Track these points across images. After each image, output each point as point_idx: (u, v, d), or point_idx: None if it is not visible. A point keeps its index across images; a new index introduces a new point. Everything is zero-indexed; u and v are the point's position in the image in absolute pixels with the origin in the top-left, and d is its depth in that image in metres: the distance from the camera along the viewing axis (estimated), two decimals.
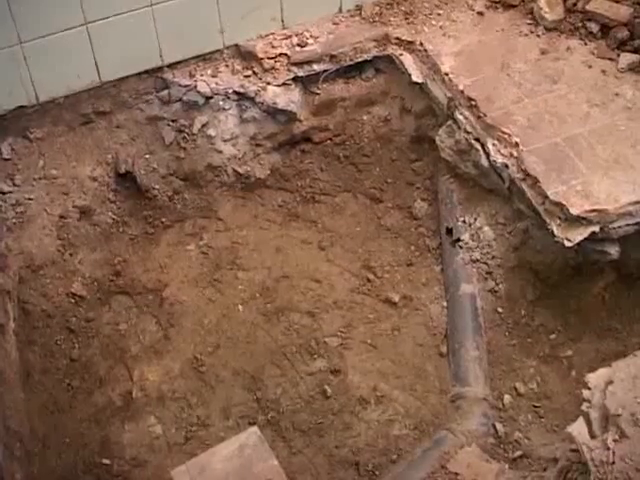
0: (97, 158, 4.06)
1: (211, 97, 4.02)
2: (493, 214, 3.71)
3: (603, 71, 3.83)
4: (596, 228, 3.31)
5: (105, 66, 3.91)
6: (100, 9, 3.72)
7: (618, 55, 3.91)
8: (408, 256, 3.95)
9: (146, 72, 4.04)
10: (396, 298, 3.79)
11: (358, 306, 3.78)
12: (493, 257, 3.66)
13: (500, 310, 3.62)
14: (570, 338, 3.60)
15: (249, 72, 4.01)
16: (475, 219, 3.75)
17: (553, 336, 3.61)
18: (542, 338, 3.60)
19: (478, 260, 3.68)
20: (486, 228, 3.71)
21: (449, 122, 3.81)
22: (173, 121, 4.08)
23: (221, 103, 4.02)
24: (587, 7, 3.98)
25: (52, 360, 3.70)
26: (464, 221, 3.78)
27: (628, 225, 3.36)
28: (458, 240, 3.75)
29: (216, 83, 4.02)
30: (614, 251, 3.41)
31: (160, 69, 4.04)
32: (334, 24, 4.11)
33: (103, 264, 4.00)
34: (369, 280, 3.87)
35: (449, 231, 3.83)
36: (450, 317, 3.69)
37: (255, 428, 2.96)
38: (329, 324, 3.72)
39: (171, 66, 4.05)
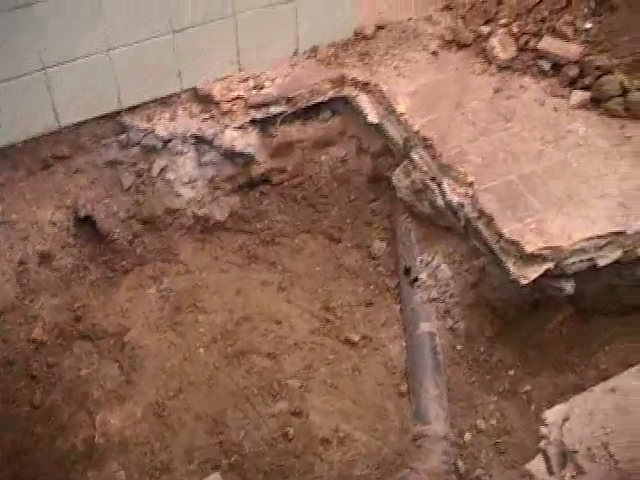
0: (57, 203, 4.12)
1: (169, 141, 4.11)
2: (450, 252, 3.82)
3: (555, 108, 3.96)
4: (551, 265, 3.42)
5: (64, 111, 3.98)
6: (58, 54, 3.80)
7: (569, 92, 4.02)
8: (367, 296, 4.05)
9: (104, 116, 4.11)
10: (356, 338, 3.88)
11: (318, 347, 3.87)
12: (451, 295, 3.77)
13: (459, 347, 3.72)
14: (529, 373, 3.69)
15: (207, 115, 4.10)
16: (432, 258, 3.85)
17: (512, 371, 3.70)
18: (501, 374, 3.69)
19: (436, 299, 3.78)
20: (443, 266, 3.81)
21: (405, 162, 3.92)
22: (132, 165, 4.16)
23: (179, 147, 4.11)
24: (539, 46, 4.12)
25: (14, 406, 3.74)
26: (422, 260, 3.89)
27: (582, 261, 3.47)
28: (416, 279, 3.86)
29: (174, 127, 4.11)
30: (569, 286, 3.53)
31: (118, 113, 4.11)
32: (291, 66, 4.21)
33: (64, 309, 4.06)
34: (329, 320, 3.96)
35: (407, 270, 3.93)
36: (409, 356, 3.78)
37: (217, 474, 3.03)
38: (290, 365, 3.80)
39: (129, 110, 4.13)
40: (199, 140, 4.11)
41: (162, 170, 4.14)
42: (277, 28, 4.17)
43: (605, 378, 3.18)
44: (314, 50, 4.26)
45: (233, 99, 4.08)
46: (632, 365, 3.09)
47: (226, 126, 4.09)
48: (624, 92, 3.95)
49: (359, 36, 4.31)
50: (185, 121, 4.10)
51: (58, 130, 4.03)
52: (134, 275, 4.17)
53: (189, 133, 4.10)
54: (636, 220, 3.51)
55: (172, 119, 4.12)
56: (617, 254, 3.51)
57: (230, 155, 4.14)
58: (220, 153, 4.14)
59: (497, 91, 4.04)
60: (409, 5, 4.53)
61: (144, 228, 4.18)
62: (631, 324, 3.76)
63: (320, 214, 4.28)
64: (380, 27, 4.35)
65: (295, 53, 4.25)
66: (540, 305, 3.70)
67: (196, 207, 4.21)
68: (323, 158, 4.27)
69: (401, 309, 3.95)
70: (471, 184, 3.62)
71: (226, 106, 4.07)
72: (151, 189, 4.14)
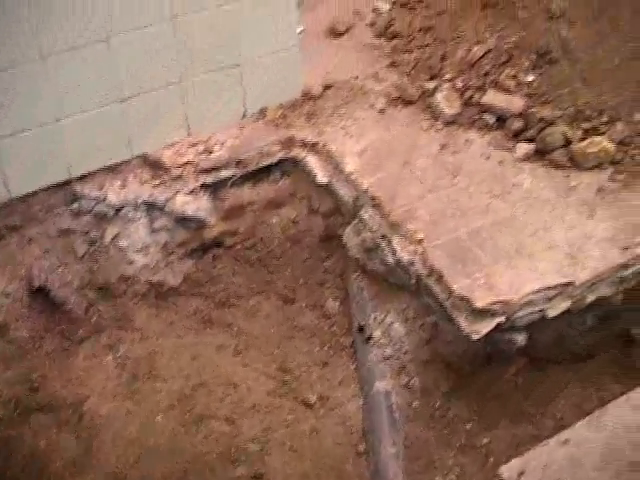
0: (10, 273, 4.14)
1: (121, 208, 4.15)
2: (403, 309, 3.88)
3: (501, 162, 4.05)
4: (501, 319, 3.49)
5: (14, 181, 4.01)
6: (7, 124, 3.83)
7: (514, 145, 4.12)
8: (323, 355, 4.10)
9: (55, 185, 4.13)
10: (313, 399, 3.92)
11: (276, 409, 3.91)
12: (405, 352, 3.83)
13: (415, 404, 3.77)
14: (486, 426, 3.75)
15: (158, 181, 4.15)
16: (386, 315, 3.92)
17: (469, 425, 3.76)
18: (459, 428, 3.75)
19: (391, 356, 3.84)
20: (397, 324, 3.88)
21: (355, 221, 3.99)
22: (85, 233, 4.20)
23: (131, 213, 4.15)
24: (483, 100, 4.22)
25: None
26: (375, 318, 3.95)
27: (532, 313, 3.55)
28: (370, 337, 3.91)
29: (125, 194, 4.15)
30: (521, 339, 3.61)
31: (69, 182, 4.14)
32: (239, 129, 4.28)
33: (20, 381, 4.06)
34: (286, 382, 4.01)
35: (361, 329, 3.99)
36: (366, 415, 3.83)
37: None
38: (249, 429, 3.84)
39: (80, 179, 4.16)
40: (151, 206, 4.16)
41: (115, 237, 4.18)
42: (225, 92, 4.23)
43: (562, 427, 3.26)
44: (263, 112, 4.33)
45: (183, 164, 4.13)
46: (588, 413, 3.16)
47: (177, 191, 4.14)
48: (567, 143, 4.07)
49: (307, 96, 4.38)
50: (136, 188, 4.14)
51: (9, 201, 4.03)
52: (90, 344, 4.19)
53: (140, 200, 4.14)
54: (583, 270, 3.59)
55: (123, 186, 4.16)
56: (566, 304, 3.60)
57: (182, 220, 4.19)
58: (172, 218, 4.19)
59: (444, 147, 4.12)
60: (355, 63, 4.63)
61: (99, 296, 4.21)
62: (584, 372, 3.85)
63: (274, 275, 4.33)
64: (327, 86, 4.42)
65: (244, 115, 4.32)
66: (494, 357, 3.76)
67: (150, 273, 4.24)
68: (275, 219, 4.33)
69: (357, 368, 4.00)
70: (420, 241, 3.69)
71: (176, 171, 4.12)
72: (105, 257, 4.17)
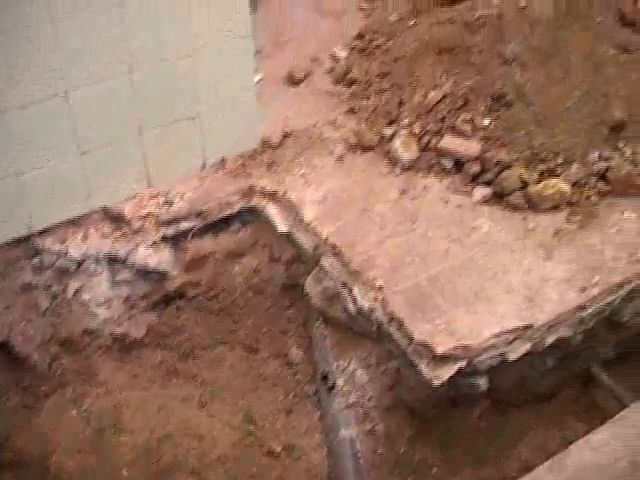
0: None
1: (83, 261, 4.18)
2: (365, 357, 3.93)
3: (459, 206, 4.12)
4: (463, 364, 3.55)
5: None
6: None
7: (472, 189, 4.19)
8: (287, 404, 4.14)
9: (16, 240, 4.14)
10: (278, 449, 3.96)
11: (242, 460, 3.93)
12: (369, 399, 3.87)
13: (380, 451, 3.81)
14: (451, 470, 3.80)
15: (119, 234, 4.18)
16: (348, 363, 3.96)
17: (435, 470, 3.80)
18: (424, 473, 3.79)
19: (354, 403, 3.88)
20: (360, 371, 3.92)
21: (316, 269, 4.04)
22: (47, 288, 4.21)
23: (93, 267, 4.18)
24: (440, 144, 4.29)
25: None
26: (338, 366, 3.99)
27: (493, 357, 3.60)
28: (334, 385, 3.95)
29: (87, 247, 4.18)
30: (483, 382, 3.66)
31: (30, 236, 4.16)
32: (200, 180, 4.32)
33: None
34: (251, 432, 4.04)
35: (324, 377, 4.03)
36: (331, 463, 3.86)
37: None
38: None
39: (41, 233, 4.18)
40: (112, 259, 4.19)
41: (77, 291, 4.20)
42: (184, 143, 4.27)
43: (526, 469, 3.31)
44: (222, 162, 4.38)
45: (144, 216, 4.17)
46: (552, 453, 3.21)
47: (138, 244, 4.17)
48: (524, 185, 4.14)
49: (266, 145, 4.43)
50: (98, 241, 4.17)
51: None
52: (55, 398, 4.21)
53: (102, 253, 4.17)
54: (542, 312, 3.65)
55: (85, 239, 4.19)
56: (526, 347, 3.66)
57: (144, 272, 4.22)
58: (134, 271, 4.22)
59: (402, 192, 4.18)
60: (314, 111, 4.69)
61: (62, 350, 4.23)
62: (547, 412, 3.91)
63: (237, 324, 4.37)
64: (286, 135, 4.48)
65: (204, 166, 4.36)
66: (457, 401, 3.81)
67: (113, 326, 4.27)
68: (236, 269, 4.37)
69: (321, 416, 4.03)
70: (380, 288, 3.74)
71: (137, 224, 4.16)
72: (67, 311, 4.20)
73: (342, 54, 5.10)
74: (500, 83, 4.38)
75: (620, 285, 3.82)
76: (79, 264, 4.18)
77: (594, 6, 4.53)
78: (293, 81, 4.94)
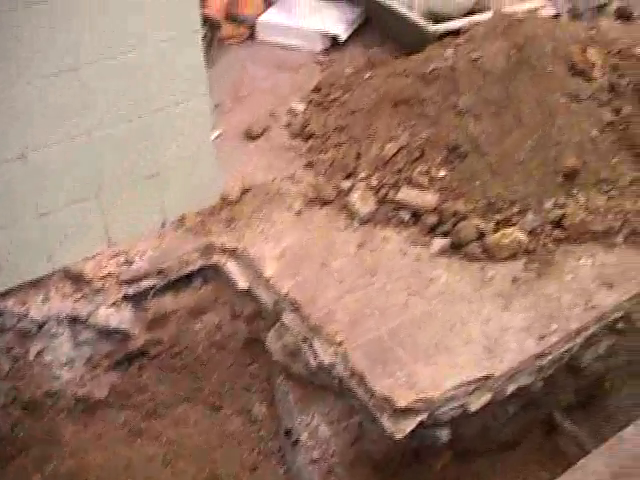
0: None
1: (44, 323, 4.19)
2: (328, 411, 3.96)
3: (418, 258, 4.18)
4: (424, 416, 3.58)
5: None
6: None
7: (430, 240, 4.25)
8: (252, 461, 4.16)
9: None
10: None
11: None
12: (332, 454, 3.90)
13: None
14: None
15: (80, 295, 4.20)
16: (311, 418, 3.99)
17: None
18: None
19: (319, 459, 3.91)
20: (323, 426, 3.95)
21: (277, 325, 4.08)
22: (8, 350, 4.22)
23: (54, 329, 4.20)
24: (397, 197, 4.35)
25: None
26: (301, 421, 4.02)
27: (454, 408, 3.64)
28: (297, 441, 3.97)
29: (48, 308, 4.19)
30: (445, 434, 3.71)
31: None
32: (159, 238, 4.36)
33: None
34: None
35: (288, 432, 4.06)
36: None
37: None
38: None
39: (2, 295, 4.19)
40: (74, 320, 4.21)
41: (39, 353, 4.21)
42: (144, 202, 4.31)
43: None
44: (182, 219, 4.41)
45: (105, 276, 4.20)
46: None
47: (100, 304, 4.20)
48: (481, 235, 4.21)
49: (225, 201, 4.47)
50: (58, 302, 4.19)
51: None
52: (18, 462, 4.19)
53: (63, 314, 4.19)
54: (501, 362, 3.71)
55: (45, 301, 4.20)
56: (487, 397, 3.70)
57: (106, 332, 4.24)
58: (96, 331, 4.24)
59: (361, 246, 4.24)
60: (272, 165, 4.76)
61: (25, 413, 4.23)
62: (510, 461, 3.96)
63: (200, 382, 4.39)
64: (245, 190, 4.53)
65: (163, 224, 4.40)
66: (420, 454, 3.85)
67: (76, 387, 4.28)
68: (198, 326, 4.40)
69: (286, 471, 4.05)
70: (341, 343, 3.79)
71: (98, 284, 4.18)
72: (29, 373, 4.20)
73: (300, 108, 5.17)
74: (455, 134, 4.46)
75: (578, 332, 3.89)
76: (40, 326, 4.19)
77: (545, 56, 4.62)
78: (252, 136, 5.00)
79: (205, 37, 5.40)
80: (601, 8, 6.29)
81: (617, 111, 4.68)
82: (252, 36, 6.05)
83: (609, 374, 4.15)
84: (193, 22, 4.06)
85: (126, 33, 3.88)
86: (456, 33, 5.20)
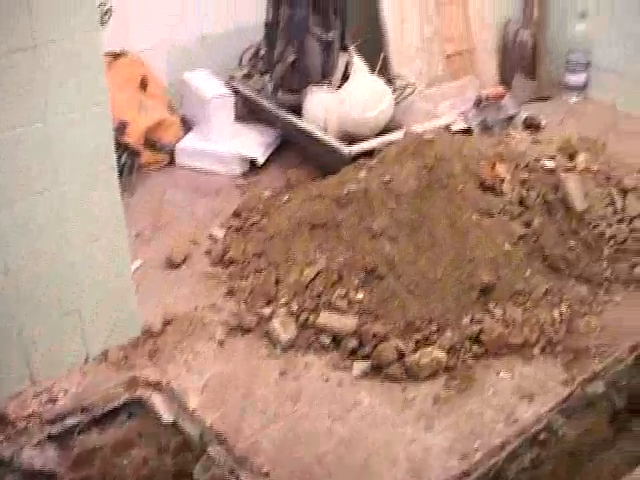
0: None
1: None
2: None
3: (340, 382, 4.26)
4: None
5: None
6: None
7: (352, 364, 4.34)
8: None
9: None
10: None
11: None
12: None
13: None
14: None
15: (2, 436, 4.19)
16: None
17: None
18: None
19: None
20: None
21: (204, 457, 4.10)
22: None
23: None
24: (318, 322, 4.45)
25: None
26: None
27: None
28: None
29: None
30: None
31: None
32: (83, 374, 4.39)
33: None
34: None
35: None
36: None
37: None
38: None
39: None
40: None
41: None
42: (66, 337, 4.35)
43: None
44: (105, 354, 4.45)
45: (28, 416, 4.20)
46: None
47: (23, 445, 4.18)
48: (401, 356, 4.32)
49: (148, 334, 4.53)
50: None
51: None
52: None
53: None
54: None
55: None
56: None
57: (31, 474, 4.22)
58: (20, 473, 4.21)
59: (283, 373, 4.31)
60: (194, 294, 4.84)
61: None
62: None
63: None
64: (167, 322, 4.59)
65: (86, 360, 4.43)
66: None
67: None
68: (125, 461, 4.40)
69: None
70: (267, 474, 3.84)
71: (21, 424, 4.18)
72: None
73: (220, 234, 5.29)
74: (371, 257, 4.60)
75: (501, 447, 4.00)
76: None
77: (455, 175, 4.82)
78: (173, 265, 5.08)
79: (125, 165, 5.53)
80: (510, 119, 6.53)
81: (528, 224, 4.87)
82: (172, 162, 6.15)
83: None
84: (108, 162, 4.15)
85: (40, 176, 3.95)
86: (371, 152, 5.35)
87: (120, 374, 4.40)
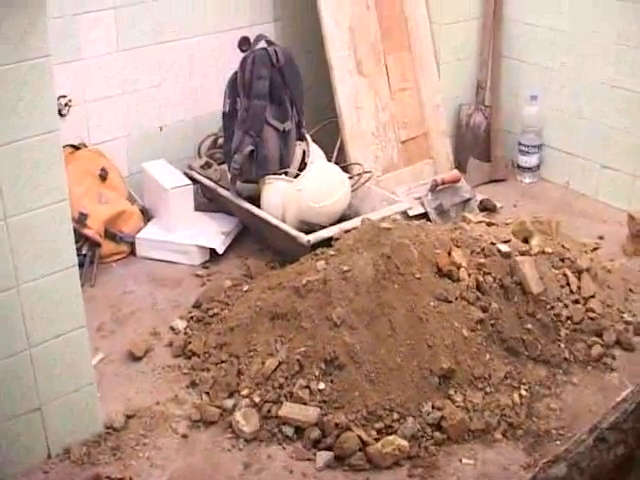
0: None
1: None
2: None
3: (304, 474, 4.29)
4: None
5: None
6: None
7: (315, 455, 4.37)
8: None
9: None
10: None
11: None
12: None
13: None
14: None
15: None
16: None
17: None
18: None
19: None
20: None
21: None
22: None
23: None
24: (280, 413, 4.48)
25: None
26: None
27: None
28: None
29: None
30: None
31: None
32: (44, 473, 4.37)
33: None
34: None
35: None
36: None
37: None
38: None
39: None
40: None
41: None
42: (27, 435, 4.34)
43: None
44: (67, 451, 4.43)
45: None
46: None
47: None
48: (364, 445, 4.35)
49: (110, 429, 4.52)
50: None
51: None
52: None
53: None
54: None
55: None
56: None
57: None
58: None
59: (247, 466, 4.33)
60: (156, 387, 4.86)
61: None
62: None
63: None
64: (129, 416, 4.59)
65: (48, 457, 4.42)
66: None
67: None
68: None
69: None
70: None
71: None
72: None
73: (180, 326, 5.32)
74: (331, 346, 4.66)
75: None
76: None
77: (412, 263, 4.91)
78: (134, 358, 5.10)
79: (85, 257, 5.58)
80: (466, 203, 6.67)
81: (485, 309, 4.96)
82: (133, 252, 6.18)
83: None
84: (69, 259, 4.19)
85: (1, 274, 3.99)
86: (329, 240, 5.44)
87: (82, 472, 4.40)
